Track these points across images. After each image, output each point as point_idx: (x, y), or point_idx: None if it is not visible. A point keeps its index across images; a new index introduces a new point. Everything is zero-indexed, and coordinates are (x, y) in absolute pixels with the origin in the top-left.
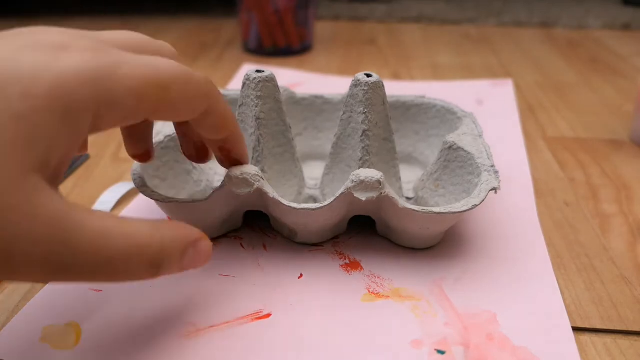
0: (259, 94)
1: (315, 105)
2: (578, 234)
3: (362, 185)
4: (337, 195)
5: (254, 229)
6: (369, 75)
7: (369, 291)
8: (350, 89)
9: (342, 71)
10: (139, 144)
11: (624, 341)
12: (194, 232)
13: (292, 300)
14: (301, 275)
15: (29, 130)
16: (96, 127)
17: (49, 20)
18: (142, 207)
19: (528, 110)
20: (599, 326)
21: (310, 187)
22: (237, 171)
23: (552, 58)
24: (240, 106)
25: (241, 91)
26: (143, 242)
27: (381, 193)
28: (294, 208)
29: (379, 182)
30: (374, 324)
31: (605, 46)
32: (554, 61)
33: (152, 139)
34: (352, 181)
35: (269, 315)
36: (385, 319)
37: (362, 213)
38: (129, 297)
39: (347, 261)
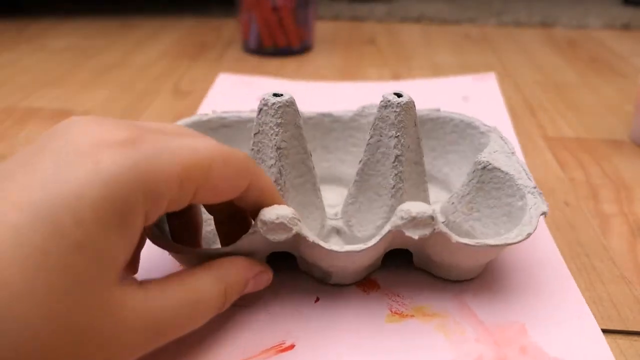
0: (279, 120)
1: (323, 124)
2: (578, 234)
3: (414, 222)
4: (384, 234)
5: None
6: (398, 95)
7: (392, 311)
8: (378, 111)
9: (342, 71)
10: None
11: (624, 341)
12: (254, 269)
13: (313, 327)
14: (317, 299)
15: (95, 256)
16: (146, 220)
17: (49, 20)
18: None
19: (528, 110)
20: (599, 326)
21: (330, 217)
22: (270, 214)
23: (552, 58)
24: (255, 134)
25: (257, 117)
26: (214, 300)
27: (434, 229)
28: (336, 252)
29: (431, 217)
30: (404, 347)
31: (605, 46)
32: (554, 61)
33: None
34: (402, 218)
35: (292, 346)
36: (414, 341)
37: (401, 247)
38: None
39: (363, 280)
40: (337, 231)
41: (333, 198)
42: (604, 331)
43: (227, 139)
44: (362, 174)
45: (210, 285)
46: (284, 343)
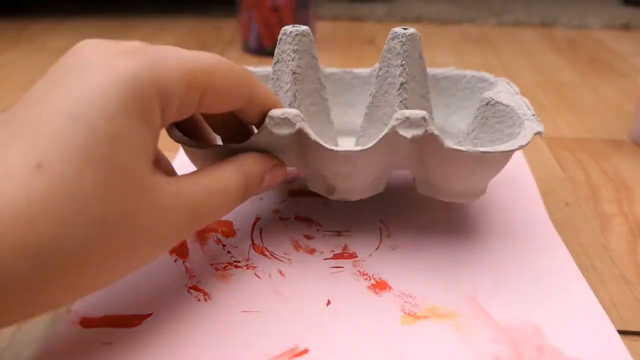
0: (295, 47)
1: (344, 81)
2: (578, 234)
3: (407, 122)
4: (381, 135)
5: (264, 254)
6: (405, 29)
7: (405, 312)
8: (386, 43)
9: None
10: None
11: (624, 341)
12: (270, 161)
13: (326, 331)
14: (329, 302)
15: (128, 146)
16: (162, 122)
17: (49, 20)
18: None
19: None
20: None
21: None
22: (278, 112)
23: (552, 58)
24: (275, 63)
25: (277, 47)
26: (237, 188)
27: (426, 130)
28: (336, 151)
29: (424, 118)
30: (423, 349)
31: (605, 46)
32: (554, 61)
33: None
34: (397, 119)
35: (306, 351)
36: (431, 343)
37: (401, 168)
38: (143, 351)
39: (373, 281)
40: None
41: (351, 146)
42: None
43: None
44: (371, 106)
45: (234, 174)
46: (297, 348)
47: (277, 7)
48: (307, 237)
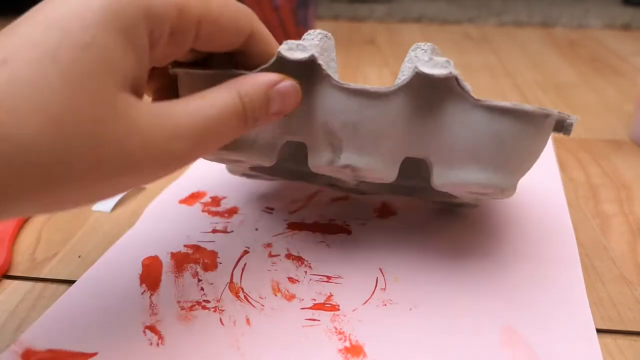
0: (317, 42)
1: None
2: (578, 234)
3: (431, 62)
4: (403, 79)
5: (237, 296)
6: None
7: None
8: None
9: (342, 71)
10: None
11: (623, 341)
12: (272, 76)
13: None
14: None
15: (101, 56)
16: (152, 46)
17: None
18: (144, 207)
19: None
20: (599, 326)
21: None
22: (291, 41)
23: (552, 58)
24: None
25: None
26: (228, 108)
27: (450, 72)
28: (348, 87)
29: (447, 61)
30: None
31: (606, 46)
32: (554, 61)
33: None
34: (419, 59)
35: None
36: None
37: (417, 152)
38: None
39: (348, 344)
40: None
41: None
42: (604, 331)
43: None
44: None
45: (226, 95)
46: None
47: (277, 7)
48: (291, 279)
